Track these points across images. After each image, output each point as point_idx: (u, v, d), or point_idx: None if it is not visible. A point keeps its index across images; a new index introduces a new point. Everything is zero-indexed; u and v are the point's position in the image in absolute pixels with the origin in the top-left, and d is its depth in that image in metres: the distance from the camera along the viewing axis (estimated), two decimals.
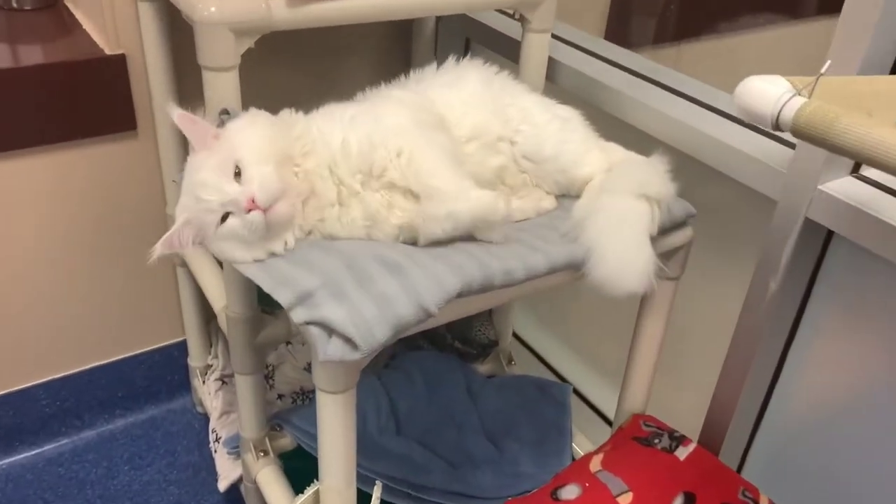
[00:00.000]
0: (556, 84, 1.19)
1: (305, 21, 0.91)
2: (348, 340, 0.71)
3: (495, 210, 0.79)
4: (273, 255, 0.78)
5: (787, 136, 0.94)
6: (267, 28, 0.89)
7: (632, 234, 0.83)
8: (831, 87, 0.61)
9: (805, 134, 0.54)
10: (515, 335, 1.52)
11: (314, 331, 0.72)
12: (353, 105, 0.88)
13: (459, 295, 0.75)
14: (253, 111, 0.84)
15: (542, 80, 1.14)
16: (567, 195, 0.96)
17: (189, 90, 1.19)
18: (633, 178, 0.87)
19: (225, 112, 0.89)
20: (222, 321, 1.10)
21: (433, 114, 0.89)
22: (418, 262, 0.77)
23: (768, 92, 0.56)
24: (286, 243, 0.79)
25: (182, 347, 1.48)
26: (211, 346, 1.47)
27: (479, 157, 0.91)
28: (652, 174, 0.88)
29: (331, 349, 0.71)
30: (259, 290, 0.77)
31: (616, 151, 0.97)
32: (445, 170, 0.81)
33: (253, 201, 0.75)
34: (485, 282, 0.77)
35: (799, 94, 0.57)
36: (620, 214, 0.84)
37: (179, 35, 1.14)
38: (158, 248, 0.77)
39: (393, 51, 1.42)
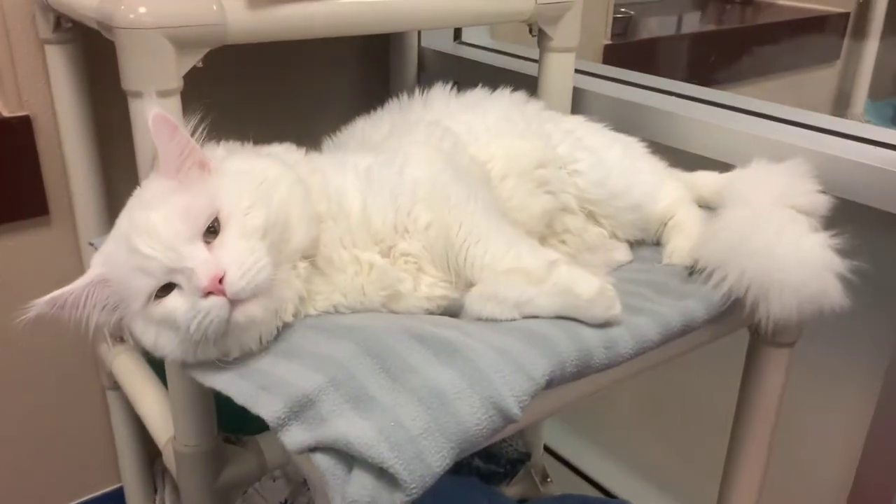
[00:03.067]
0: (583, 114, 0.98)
1: (273, 30, 0.68)
2: (383, 473, 0.42)
3: (594, 305, 0.53)
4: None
5: None
6: (219, 39, 0.65)
7: (799, 235, 0.60)
8: None
9: None
10: (546, 447, 1.24)
11: (323, 461, 0.44)
12: (366, 153, 0.63)
13: (549, 384, 0.48)
14: (274, 153, 0.58)
15: (567, 111, 0.91)
16: (643, 242, 0.71)
17: (117, 160, 0.93)
18: (773, 187, 0.64)
19: None
20: (169, 458, 0.81)
21: (466, 154, 0.66)
22: (477, 336, 0.50)
23: None
24: (252, 344, 0.51)
25: (119, 497, 1.18)
26: (156, 492, 1.17)
27: (518, 198, 0.66)
28: (796, 181, 0.64)
29: (354, 490, 0.43)
30: (221, 408, 0.48)
31: (701, 178, 0.74)
32: (500, 240, 0.56)
33: (220, 281, 0.47)
34: (581, 359, 0.50)
35: None
36: (774, 222, 0.61)
37: (100, 87, 0.89)
38: (40, 306, 0.49)
39: (369, 101, 1.19)
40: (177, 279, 0.48)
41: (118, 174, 0.95)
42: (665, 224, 0.72)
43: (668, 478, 1.16)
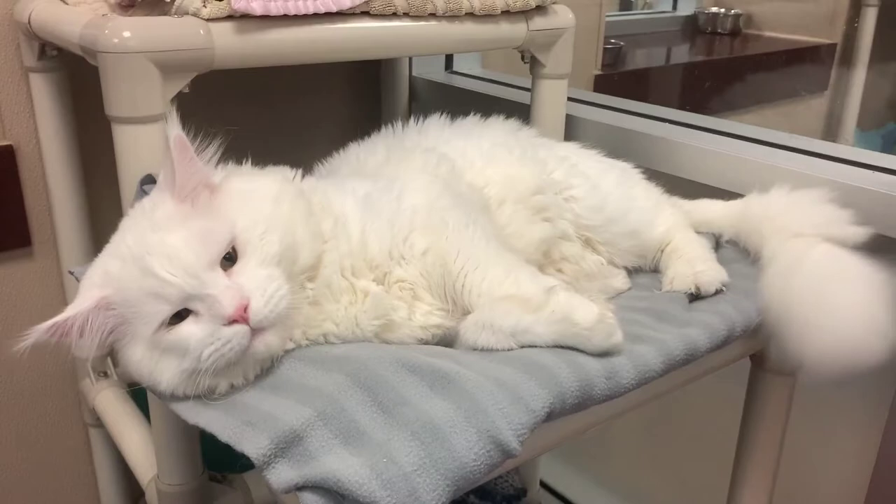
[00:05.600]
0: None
1: (258, 55, 0.66)
2: None
3: (594, 333, 0.51)
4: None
5: None
6: (207, 63, 0.64)
7: (853, 284, 0.58)
8: None
9: None
10: (542, 483, 1.20)
11: (311, 501, 0.42)
12: (364, 179, 0.61)
13: (549, 416, 0.46)
14: (279, 175, 0.56)
15: (560, 139, 0.90)
16: (640, 270, 0.70)
17: (100, 189, 0.91)
18: (811, 217, 0.64)
19: (149, 181, 0.62)
20: (152, 498, 0.77)
21: (461, 179, 0.64)
22: (473, 366, 0.48)
23: None
24: (239, 379, 0.49)
25: None
26: None
27: (516, 225, 0.65)
28: (831, 211, 0.64)
29: None
30: (207, 444, 0.46)
31: (705, 206, 0.73)
32: (499, 266, 0.55)
33: (245, 310, 0.46)
34: (582, 390, 0.48)
35: None
36: (824, 263, 0.60)
37: (85, 117, 0.88)
38: (39, 333, 0.47)
39: (360, 133, 1.18)
40: (195, 306, 0.46)
41: (102, 205, 0.93)
42: (662, 250, 0.70)
43: None
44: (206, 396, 0.48)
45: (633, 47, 1.86)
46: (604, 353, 0.50)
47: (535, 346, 0.51)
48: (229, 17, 0.64)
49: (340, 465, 0.41)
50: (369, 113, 1.18)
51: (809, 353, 0.55)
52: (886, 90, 2.23)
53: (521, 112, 0.88)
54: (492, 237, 0.57)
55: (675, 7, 2.18)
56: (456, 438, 0.42)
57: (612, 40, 1.61)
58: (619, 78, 1.59)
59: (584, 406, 0.49)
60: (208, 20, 0.63)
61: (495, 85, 1.12)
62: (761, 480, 0.76)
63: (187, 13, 0.63)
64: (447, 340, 0.55)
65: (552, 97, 0.88)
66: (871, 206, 0.70)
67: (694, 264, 0.65)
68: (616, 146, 0.92)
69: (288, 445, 0.43)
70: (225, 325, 0.46)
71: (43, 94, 0.87)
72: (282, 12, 0.65)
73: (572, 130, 0.95)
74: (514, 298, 0.51)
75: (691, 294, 0.62)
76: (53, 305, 0.98)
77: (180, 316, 0.47)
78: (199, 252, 0.47)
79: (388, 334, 0.54)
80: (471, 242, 0.55)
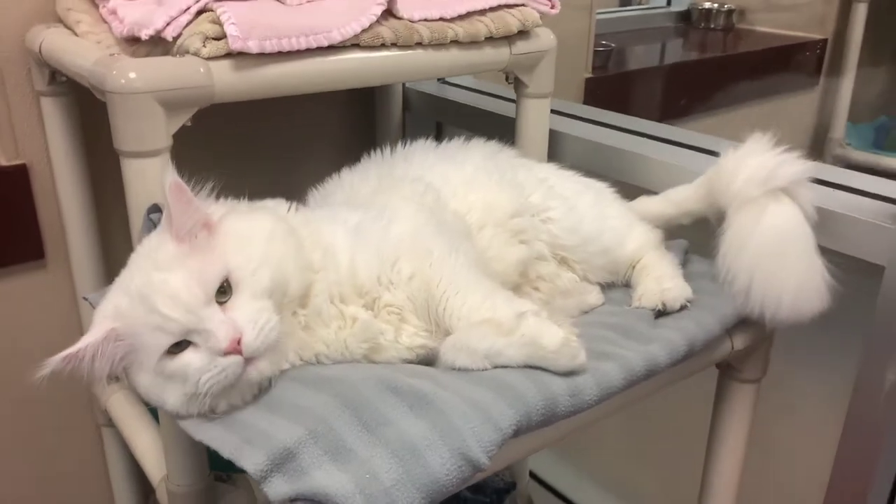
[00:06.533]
0: (559, 160, 1.00)
1: (255, 89, 0.71)
2: None
3: (559, 356, 0.56)
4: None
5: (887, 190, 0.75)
6: (207, 99, 0.69)
7: (796, 250, 0.67)
8: None
9: None
10: (533, 475, 1.26)
11: None
12: (355, 210, 0.66)
13: (516, 433, 0.51)
14: (268, 209, 0.62)
15: (544, 155, 0.95)
16: (613, 285, 0.75)
17: (110, 204, 0.96)
18: (754, 171, 0.69)
19: (155, 210, 0.67)
20: (162, 497, 0.83)
21: (446, 207, 0.69)
22: (449, 387, 0.53)
23: None
24: (238, 401, 0.54)
25: None
26: None
27: (496, 248, 0.70)
28: (771, 158, 0.70)
29: None
30: (212, 449, 0.51)
31: (678, 193, 0.81)
32: (477, 292, 0.59)
33: (238, 343, 0.51)
34: (547, 408, 0.53)
35: None
36: (771, 228, 0.67)
37: (93, 137, 0.93)
38: (55, 363, 0.52)
39: (356, 139, 1.22)
40: (194, 338, 0.52)
41: (112, 219, 0.98)
42: (633, 266, 0.75)
43: (651, 501, 1.18)
44: (208, 415, 0.53)
45: (627, 45, 1.89)
46: (569, 373, 0.56)
47: (507, 367, 0.56)
48: (227, 55, 0.69)
49: (329, 480, 0.47)
50: (365, 122, 1.23)
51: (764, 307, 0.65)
52: (877, 84, 2.26)
53: (511, 123, 0.93)
54: (472, 264, 0.62)
55: (668, 3, 2.21)
56: (431, 456, 0.48)
57: (604, 42, 1.64)
58: (610, 80, 1.62)
59: (550, 422, 0.54)
60: (208, 59, 0.68)
61: (486, 96, 1.16)
62: (729, 477, 0.82)
63: (188, 52, 0.68)
64: (430, 358, 0.60)
65: (535, 115, 0.92)
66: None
67: (661, 282, 0.70)
68: (598, 162, 0.97)
69: (282, 462, 0.48)
70: (221, 355, 0.51)
71: (53, 116, 0.91)
72: (276, 49, 0.70)
73: (556, 145, 1.00)
74: (489, 323, 0.56)
75: (658, 311, 0.67)
76: (65, 313, 1.04)
77: (181, 345, 0.52)
78: (196, 291, 0.52)
79: (375, 356, 0.59)
80: (453, 270, 0.60)
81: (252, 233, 0.57)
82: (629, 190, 0.85)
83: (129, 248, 0.61)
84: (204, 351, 0.51)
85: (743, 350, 0.73)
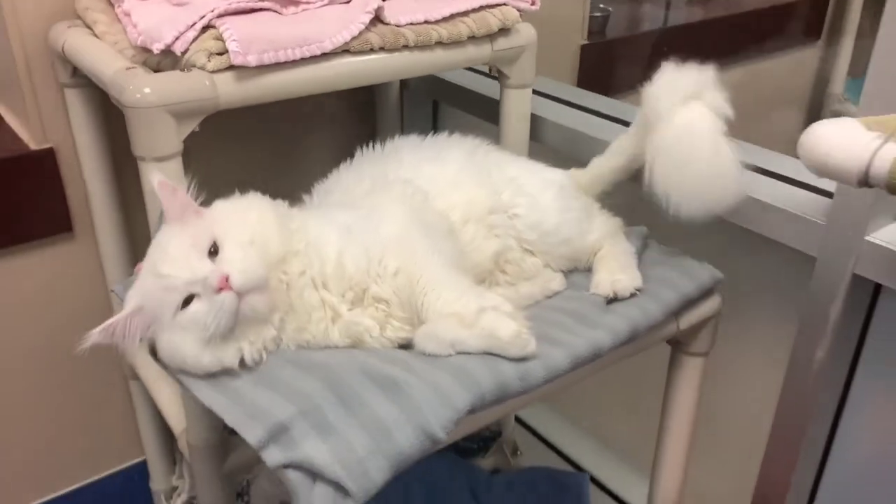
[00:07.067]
0: (541, 143, 1.08)
1: (256, 96, 0.79)
2: (338, 486, 0.56)
3: (511, 346, 0.65)
4: (230, 367, 0.64)
5: (822, 182, 0.83)
6: (212, 108, 0.77)
7: (703, 144, 0.76)
8: None
9: None
10: (518, 420, 1.37)
11: (294, 476, 0.58)
12: (348, 210, 0.75)
13: (471, 411, 0.61)
14: (250, 195, 0.72)
15: (525, 140, 1.02)
16: (575, 270, 0.84)
17: (130, 181, 1.05)
18: (664, 89, 0.79)
19: None
20: (183, 446, 0.95)
21: (432, 209, 0.78)
22: (417, 372, 0.63)
23: (850, 141, 0.44)
24: (254, 354, 0.65)
25: (143, 468, 1.32)
26: (175, 464, 1.30)
27: (477, 241, 0.79)
28: (677, 74, 0.79)
29: (317, 499, 0.57)
30: None
31: (600, 163, 0.90)
32: (450, 289, 0.68)
33: (227, 280, 0.62)
34: (499, 390, 0.63)
35: (888, 138, 0.45)
36: (679, 128, 0.77)
37: (114, 122, 1.01)
38: (95, 336, 0.63)
39: (356, 117, 1.30)
40: (195, 289, 0.62)
41: (132, 194, 1.07)
42: (595, 254, 0.83)
43: (628, 449, 1.30)
44: (213, 362, 0.63)
45: (622, 12, 1.89)
46: (521, 359, 0.65)
47: (469, 354, 0.66)
48: (230, 68, 0.77)
49: (314, 451, 0.57)
50: (364, 100, 1.30)
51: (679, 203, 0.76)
52: None
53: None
54: (450, 264, 0.70)
55: None
56: (398, 433, 0.58)
57: (601, 6, 1.67)
58: (607, 47, 1.65)
59: (502, 401, 0.64)
60: (212, 72, 0.76)
61: (479, 75, 1.22)
62: (681, 439, 0.91)
63: (195, 66, 0.76)
64: (407, 344, 0.70)
65: (517, 103, 1.00)
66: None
67: (614, 273, 0.78)
68: (579, 149, 1.04)
69: (277, 434, 0.59)
70: (215, 293, 0.61)
71: (76, 105, 1.00)
72: (273, 61, 0.78)
73: (539, 131, 1.07)
74: (455, 316, 0.66)
75: (609, 298, 0.76)
76: (92, 278, 1.15)
77: (189, 301, 0.62)
78: (189, 252, 0.63)
79: (359, 345, 0.69)
80: (432, 269, 0.69)
81: (235, 205, 0.69)
82: None
83: (147, 221, 0.75)
84: (205, 297, 0.62)
85: (688, 329, 0.82)
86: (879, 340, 0.83)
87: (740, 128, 0.79)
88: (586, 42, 1.57)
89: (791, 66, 2.13)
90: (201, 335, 0.62)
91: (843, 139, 0.45)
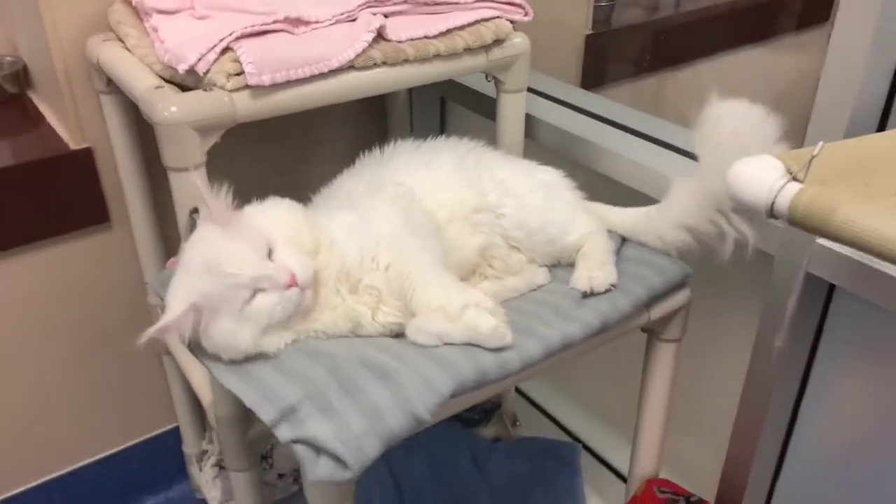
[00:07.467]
0: (536, 141, 1.16)
1: (270, 110, 0.88)
2: (337, 459, 0.66)
3: (490, 339, 0.75)
4: (266, 354, 0.74)
5: None
6: (231, 122, 0.86)
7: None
8: (824, 156, 0.57)
9: (802, 226, 0.51)
10: (519, 391, 1.48)
11: (301, 450, 0.68)
12: (350, 210, 0.84)
13: (453, 395, 0.71)
14: (275, 199, 0.81)
15: (520, 139, 1.10)
16: (559, 265, 0.92)
17: (160, 177, 1.15)
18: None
19: (195, 211, 0.86)
20: (211, 417, 1.06)
21: (420, 208, 0.86)
22: (407, 361, 0.73)
23: (760, 179, 0.53)
24: (287, 343, 0.76)
25: (176, 434, 1.43)
26: (205, 430, 1.43)
27: (461, 238, 0.87)
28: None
29: (320, 469, 0.67)
30: None
31: (612, 213, 0.95)
32: (437, 286, 0.77)
33: (293, 278, 0.72)
34: (479, 378, 0.73)
35: (793, 177, 0.53)
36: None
37: (145, 124, 1.10)
38: (151, 333, 0.71)
39: (368, 116, 1.39)
40: (262, 284, 0.72)
41: (163, 188, 1.16)
42: (578, 250, 0.92)
43: (619, 420, 1.39)
44: (256, 355, 0.73)
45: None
46: (499, 350, 0.75)
47: (453, 345, 0.75)
48: (246, 87, 0.86)
49: (318, 429, 0.67)
50: (375, 102, 1.37)
51: None
52: None
53: None
54: (436, 261, 0.79)
55: None
56: (389, 415, 0.68)
57: None
58: (612, 36, 1.67)
59: (482, 386, 0.74)
60: (231, 91, 0.85)
61: (482, 76, 1.29)
62: (658, 416, 1.01)
63: (215, 86, 0.85)
64: (399, 331, 0.79)
65: (512, 107, 1.08)
66: None
67: (592, 270, 0.86)
68: (573, 151, 1.12)
69: (287, 414, 0.69)
70: (284, 290, 0.72)
71: (111, 110, 1.10)
72: (285, 80, 0.87)
73: (533, 130, 1.15)
74: (441, 311, 0.75)
75: (585, 293, 0.85)
76: (127, 264, 1.26)
77: (253, 295, 0.72)
78: (252, 253, 0.72)
79: (358, 331, 0.79)
80: (420, 266, 0.78)
81: (273, 210, 0.78)
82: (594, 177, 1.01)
83: (174, 211, 0.87)
84: (271, 292, 0.72)
85: (659, 319, 0.91)
86: (835, 332, 0.91)
87: None
88: (591, 32, 1.61)
89: (802, 46, 2.14)
90: (264, 324, 0.73)
91: (754, 177, 0.53)
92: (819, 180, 0.54)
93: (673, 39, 1.81)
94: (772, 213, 0.53)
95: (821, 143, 0.52)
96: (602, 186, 1.01)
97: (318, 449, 0.67)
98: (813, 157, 0.52)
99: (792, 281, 0.85)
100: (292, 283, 0.72)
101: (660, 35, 1.80)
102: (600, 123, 1.15)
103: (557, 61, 1.58)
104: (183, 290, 0.73)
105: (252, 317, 0.72)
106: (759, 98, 0.76)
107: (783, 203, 0.52)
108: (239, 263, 0.71)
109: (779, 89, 2.01)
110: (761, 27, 1.98)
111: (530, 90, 1.22)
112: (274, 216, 0.77)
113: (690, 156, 1.02)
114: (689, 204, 0.85)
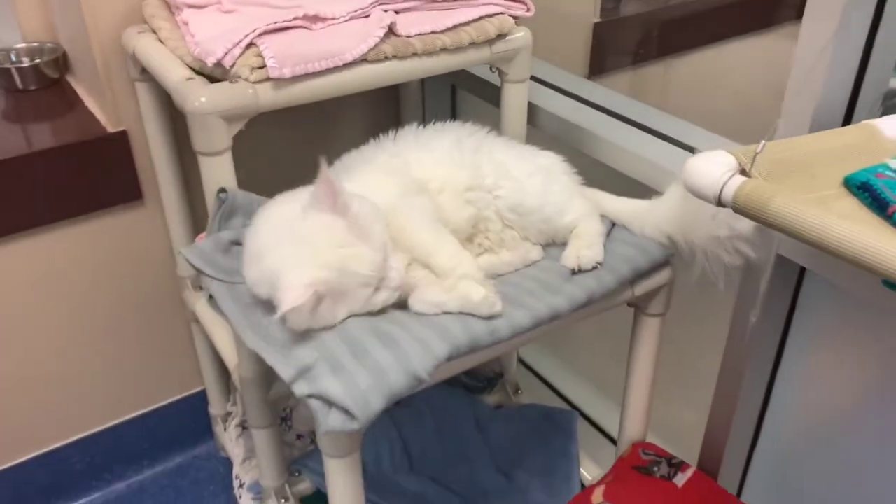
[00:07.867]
0: (539, 129, 1.24)
1: (290, 100, 0.97)
2: (346, 412, 0.76)
3: (481, 307, 0.83)
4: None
5: None
6: (255, 111, 0.95)
7: None
8: (776, 151, 0.65)
9: (745, 213, 0.59)
10: (521, 360, 1.57)
11: (314, 404, 0.77)
12: (349, 184, 0.90)
13: (449, 358, 0.80)
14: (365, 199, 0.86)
15: (523, 127, 1.18)
16: (553, 244, 1.00)
17: (190, 158, 1.24)
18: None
19: (223, 191, 0.95)
20: (236, 379, 1.16)
21: (411, 177, 0.94)
22: (408, 328, 0.82)
23: (710, 171, 0.61)
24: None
25: (203, 396, 1.54)
26: (229, 393, 1.53)
27: (452, 209, 0.95)
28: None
29: (331, 421, 0.76)
30: None
31: (606, 199, 1.02)
32: (435, 241, 0.87)
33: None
34: (472, 343, 0.82)
35: (743, 169, 0.61)
36: None
37: (176, 109, 1.19)
38: (280, 313, 0.76)
39: (382, 103, 1.47)
40: (380, 283, 0.82)
41: (192, 168, 1.26)
42: (571, 231, 1.00)
43: (614, 390, 1.46)
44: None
45: None
46: (490, 317, 0.84)
47: (449, 313, 0.84)
48: (268, 79, 0.95)
49: (329, 386, 0.77)
50: (389, 89, 1.45)
51: None
52: None
53: None
54: (429, 212, 0.89)
55: None
56: (391, 374, 0.77)
57: None
58: (621, 24, 1.72)
59: (474, 351, 0.83)
60: (254, 83, 0.94)
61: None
62: (643, 387, 1.09)
63: (240, 77, 0.94)
64: (403, 300, 0.88)
65: (515, 96, 1.16)
66: None
67: (581, 249, 0.94)
68: (574, 140, 1.19)
69: (303, 373, 0.78)
70: (395, 289, 0.82)
71: (145, 96, 1.19)
72: (303, 72, 0.95)
73: (535, 118, 1.22)
74: (438, 283, 0.84)
75: (574, 270, 0.93)
76: (159, 238, 1.36)
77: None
78: (379, 258, 0.81)
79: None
80: (425, 238, 0.87)
81: (376, 215, 0.84)
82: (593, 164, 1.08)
83: (203, 191, 0.96)
84: (384, 289, 0.82)
85: (643, 295, 0.99)
86: (806, 309, 0.99)
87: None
88: (599, 20, 1.67)
89: (785, 37, 2.17)
90: (363, 309, 0.83)
91: (705, 170, 0.61)
92: (766, 173, 0.62)
93: (680, 27, 1.86)
94: (720, 201, 0.61)
95: (763, 142, 0.60)
96: (600, 173, 1.08)
97: (330, 403, 0.77)
98: (756, 153, 0.60)
99: (764, 262, 0.93)
100: (400, 285, 0.83)
101: (667, 23, 1.84)
102: (601, 113, 1.21)
103: (566, 49, 1.64)
104: (303, 273, 0.77)
105: (363, 307, 0.83)
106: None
107: (728, 193, 0.60)
108: (371, 266, 0.80)
109: (783, 77, 2.05)
110: (769, 15, 2.01)
111: (535, 79, 1.30)
112: (375, 213, 0.84)
113: (688, 148, 1.10)
114: (671, 215, 0.95)
